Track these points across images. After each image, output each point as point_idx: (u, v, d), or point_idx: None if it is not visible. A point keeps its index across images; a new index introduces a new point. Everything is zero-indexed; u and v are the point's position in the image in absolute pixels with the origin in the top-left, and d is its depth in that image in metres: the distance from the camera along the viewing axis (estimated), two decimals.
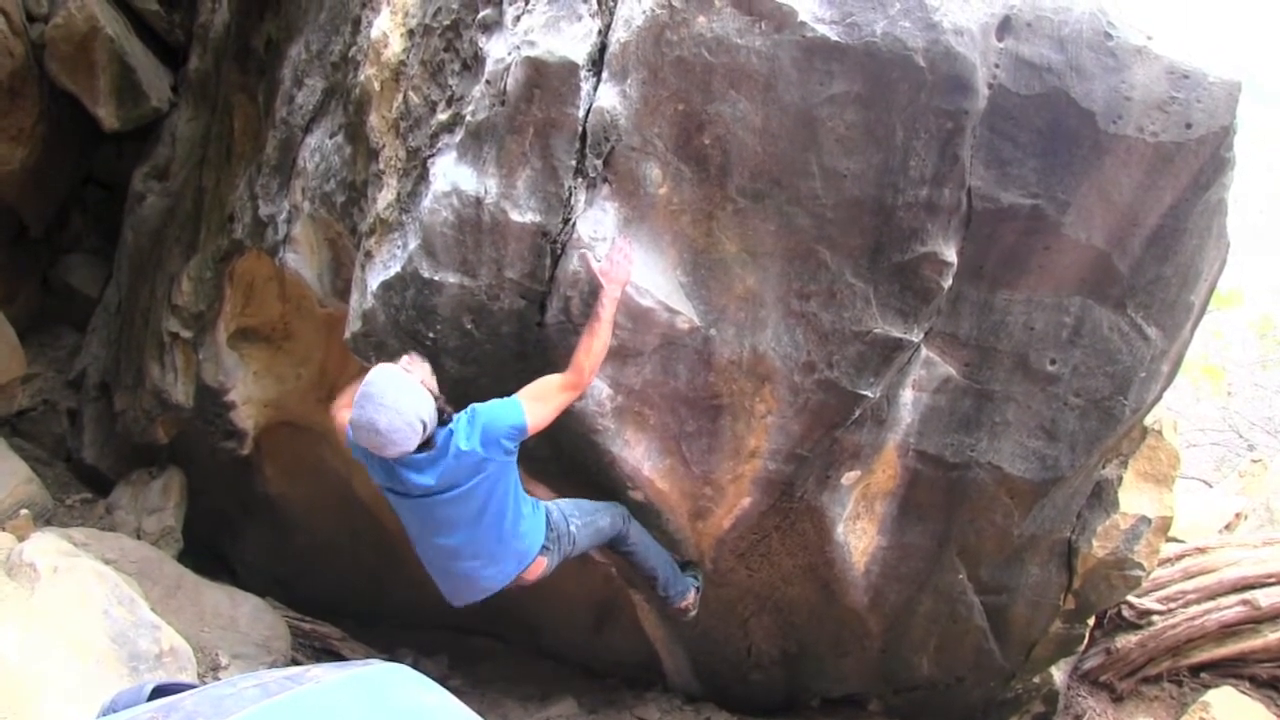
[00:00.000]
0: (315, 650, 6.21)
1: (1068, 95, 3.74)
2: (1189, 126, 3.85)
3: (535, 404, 3.66)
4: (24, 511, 5.77)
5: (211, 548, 7.12)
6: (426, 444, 3.54)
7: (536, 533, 3.92)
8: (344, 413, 3.81)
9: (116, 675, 3.98)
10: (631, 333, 3.83)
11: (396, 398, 3.40)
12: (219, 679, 4.86)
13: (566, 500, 4.19)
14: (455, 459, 3.56)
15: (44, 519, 6.24)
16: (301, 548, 6.98)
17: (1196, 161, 3.94)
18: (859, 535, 4.71)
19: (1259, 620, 6.36)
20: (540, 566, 4.00)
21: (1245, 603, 6.40)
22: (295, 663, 5.76)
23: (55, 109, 7.50)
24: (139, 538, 6.39)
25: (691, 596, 4.69)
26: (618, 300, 3.73)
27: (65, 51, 7.24)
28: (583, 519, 4.15)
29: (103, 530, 6.18)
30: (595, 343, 3.69)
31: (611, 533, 4.28)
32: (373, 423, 3.37)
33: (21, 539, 4.73)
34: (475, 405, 3.65)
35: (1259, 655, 6.39)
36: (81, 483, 7.35)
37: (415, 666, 3.45)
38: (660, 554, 4.51)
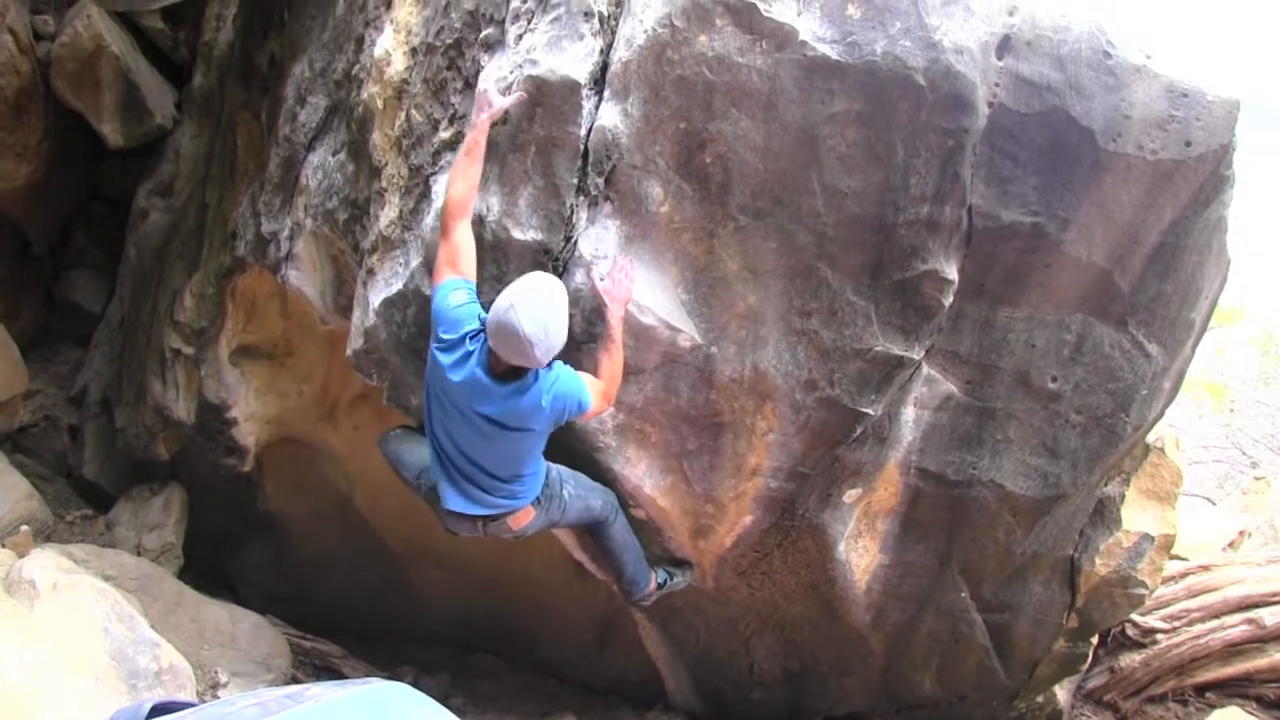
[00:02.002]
0: (316, 668, 6.19)
1: (1067, 113, 3.75)
2: (1188, 144, 3.86)
3: (594, 398, 3.70)
4: (24, 528, 5.76)
5: (212, 564, 7.11)
6: (519, 373, 3.51)
7: (535, 484, 3.92)
8: (446, 263, 3.63)
9: (115, 693, 3.97)
10: (633, 350, 3.83)
11: (554, 313, 3.40)
12: (218, 697, 4.86)
13: (566, 468, 4.15)
14: (528, 404, 3.54)
15: (44, 535, 6.23)
16: (302, 564, 6.97)
17: (1196, 179, 3.95)
18: (861, 553, 4.70)
19: (1264, 639, 6.33)
20: (527, 517, 4.00)
21: (1250, 622, 6.37)
22: (295, 680, 5.75)
23: (60, 126, 7.53)
24: (139, 554, 6.37)
25: (650, 588, 4.64)
26: (623, 318, 3.74)
27: (71, 69, 7.28)
28: (577, 490, 4.12)
29: (103, 547, 6.16)
30: (614, 364, 3.73)
31: (600, 516, 4.25)
32: (516, 323, 3.30)
33: (21, 555, 4.71)
34: (557, 366, 3.63)
35: (1265, 675, 6.36)
36: (82, 499, 7.33)
37: (416, 684, 3.45)
38: (634, 550, 4.48)
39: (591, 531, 4.39)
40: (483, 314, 3.54)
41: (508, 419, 3.57)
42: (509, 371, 3.50)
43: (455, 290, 3.55)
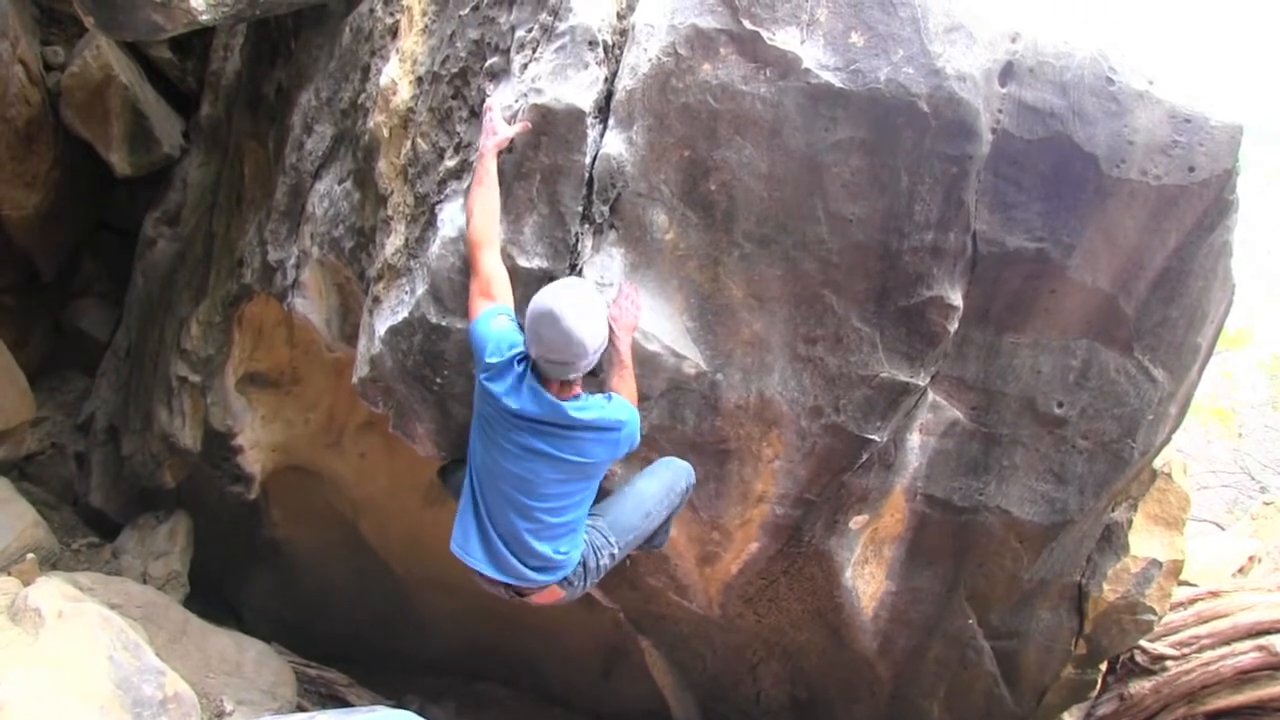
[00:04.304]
0: (321, 696, 6.17)
1: (1071, 139, 3.77)
2: (1192, 170, 3.87)
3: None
4: (30, 556, 5.76)
5: (218, 592, 7.09)
6: (565, 387, 3.41)
7: (569, 561, 3.65)
8: (480, 295, 3.56)
9: None
10: (639, 377, 3.83)
11: (593, 314, 3.32)
12: None
13: (615, 515, 3.86)
14: (594, 426, 3.44)
15: (50, 563, 6.22)
16: (308, 592, 6.95)
17: (1200, 204, 3.95)
18: (867, 580, 4.68)
19: (1276, 667, 6.27)
20: (552, 597, 3.79)
21: (1262, 648, 6.30)
22: (301, 709, 5.73)
23: (69, 155, 7.58)
24: (145, 582, 6.37)
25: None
26: (631, 345, 3.71)
27: (80, 99, 7.34)
28: (621, 541, 3.84)
29: (109, 575, 6.15)
30: (630, 393, 3.65)
31: (650, 531, 3.98)
32: (563, 320, 3.23)
33: (27, 583, 4.71)
34: (613, 395, 3.54)
35: (1277, 703, 6.30)
36: (88, 527, 7.33)
37: (421, 713, 3.42)
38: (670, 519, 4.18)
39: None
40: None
41: (569, 442, 3.44)
42: (562, 389, 3.41)
43: (496, 317, 3.48)
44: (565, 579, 3.71)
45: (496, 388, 3.42)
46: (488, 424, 3.51)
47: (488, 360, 3.43)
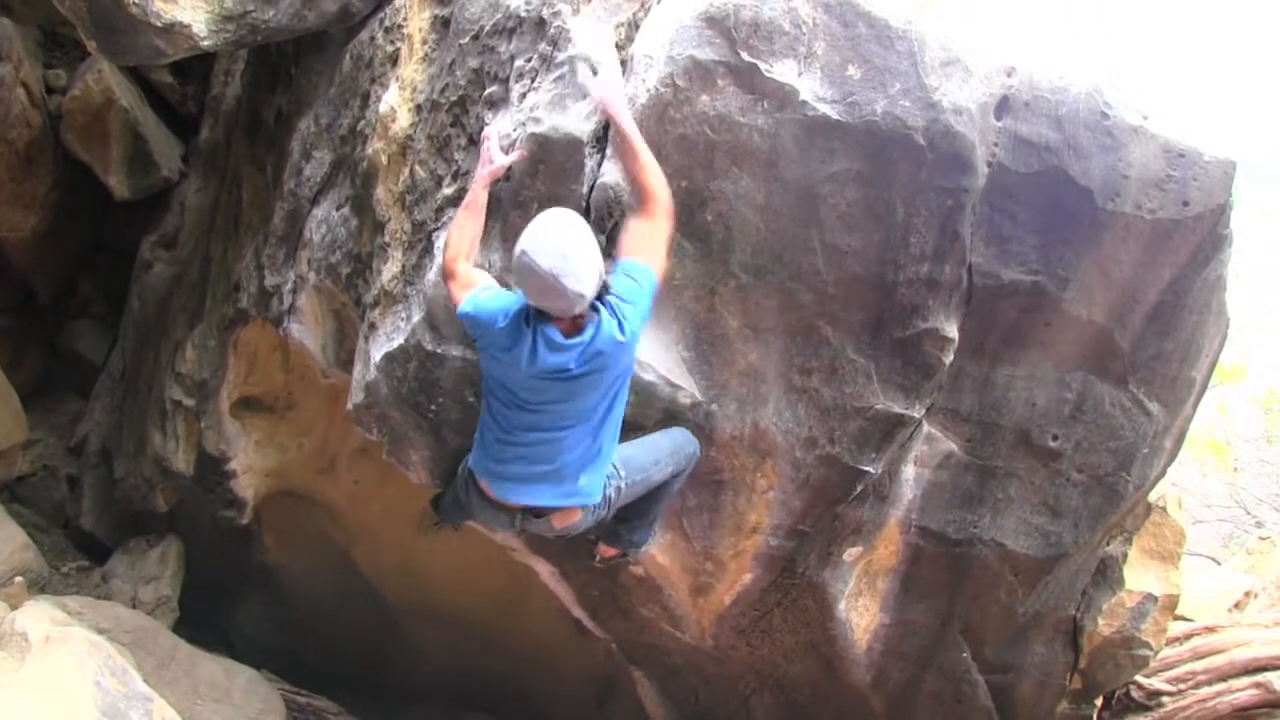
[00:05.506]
0: None
1: (1066, 173, 3.78)
2: (1186, 204, 3.89)
3: (658, 260, 3.41)
4: (19, 579, 5.72)
5: (209, 618, 7.05)
6: (577, 321, 3.27)
7: (598, 481, 3.60)
8: (460, 289, 3.49)
9: None
10: (634, 407, 3.82)
11: (570, 236, 3.16)
12: None
13: (629, 454, 3.74)
14: (608, 346, 3.26)
15: (39, 586, 6.18)
16: (299, 619, 6.91)
17: (1194, 238, 3.97)
18: (861, 612, 4.66)
19: (1274, 704, 6.22)
20: (574, 517, 3.68)
21: (1259, 685, 6.26)
22: None
23: (67, 177, 7.61)
24: (135, 607, 6.33)
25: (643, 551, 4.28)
26: (627, 109, 3.51)
27: (81, 122, 7.38)
28: (629, 480, 3.72)
29: (98, 599, 6.11)
30: (647, 167, 3.40)
31: (656, 483, 3.84)
32: (532, 263, 3.09)
33: (15, 607, 4.68)
34: (612, 293, 3.31)
35: None
36: (78, 550, 7.29)
37: None
38: (663, 510, 4.11)
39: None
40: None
41: (591, 363, 3.29)
42: (572, 327, 3.27)
43: (482, 291, 3.42)
44: (586, 505, 3.65)
45: (510, 358, 3.33)
46: (502, 393, 3.46)
47: (497, 328, 3.34)
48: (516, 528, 3.78)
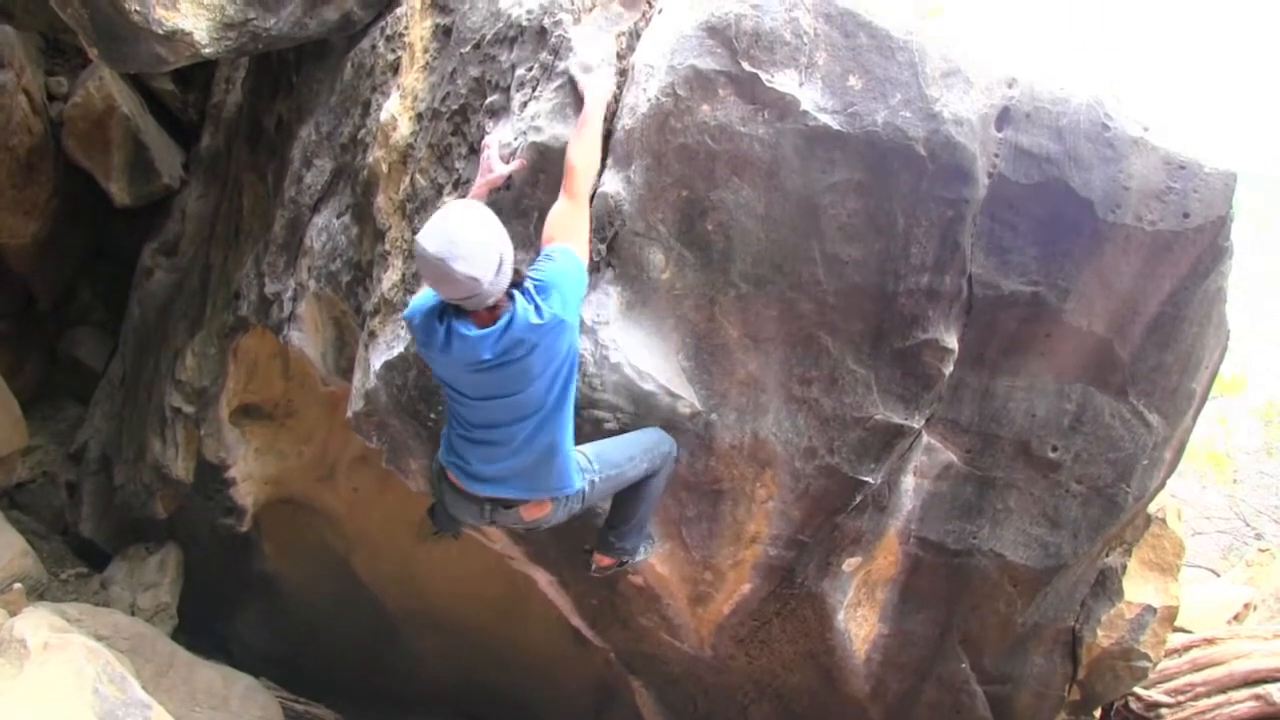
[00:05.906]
0: None
1: (1067, 184, 3.79)
2: (1186, 216, 3.89)
3: (579, 240, 3.33)
4: (17, 585, 5.72)
5: (207, 625, 7.04)
6: (493, 311, 3.18)
7: (565, 472, 3.49)
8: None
9: None
10: (633, 417, 3.82)
11: (460, 222, 3.07)
12: None
13: (602, 448, 3.69)
14: (525, 332, 3.16)
15: (38, 593, 6.18)
16: (298, 626, 6.90)
17: (1195, 250, 3.97)
18: (860, 622, 4.65)
19: (1273, 717, 6.22)
20: (543, 510, 3.59)
21: (1258, 698, 6.25)
22: None
23: (68, 184, 7.63)
24: (133, 614, 6.32)
25: (638, 559, 4.15)
26: (604, 103, 3.53)
27: (82, 129, 7.39)
28: (604, 475, 3.64)
29: (97, 606, 6.12)
30: (584, 141, 3.41)
31: (633, 479, 3.76)
32: (423, 252, 3.02)
33: (13, 614, 4.68)
34: (528, 278, 3.23)
35: None
36: (77, 557, 7.29)
37: None
38: (649, 511, 4.00)
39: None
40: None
41: (510, 355, 3.20)
42: (489, 318, 3.20)
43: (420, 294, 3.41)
44: (556, 496, 3.56)
45: (431, 353, 3.32)
46: (451, 388, 3.42)
47: (415, 325, 3.33)
48: (486, 519, 3.68)
